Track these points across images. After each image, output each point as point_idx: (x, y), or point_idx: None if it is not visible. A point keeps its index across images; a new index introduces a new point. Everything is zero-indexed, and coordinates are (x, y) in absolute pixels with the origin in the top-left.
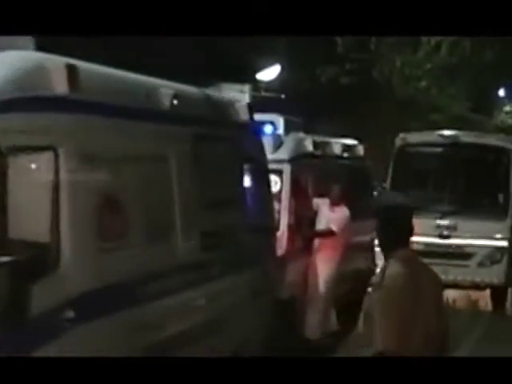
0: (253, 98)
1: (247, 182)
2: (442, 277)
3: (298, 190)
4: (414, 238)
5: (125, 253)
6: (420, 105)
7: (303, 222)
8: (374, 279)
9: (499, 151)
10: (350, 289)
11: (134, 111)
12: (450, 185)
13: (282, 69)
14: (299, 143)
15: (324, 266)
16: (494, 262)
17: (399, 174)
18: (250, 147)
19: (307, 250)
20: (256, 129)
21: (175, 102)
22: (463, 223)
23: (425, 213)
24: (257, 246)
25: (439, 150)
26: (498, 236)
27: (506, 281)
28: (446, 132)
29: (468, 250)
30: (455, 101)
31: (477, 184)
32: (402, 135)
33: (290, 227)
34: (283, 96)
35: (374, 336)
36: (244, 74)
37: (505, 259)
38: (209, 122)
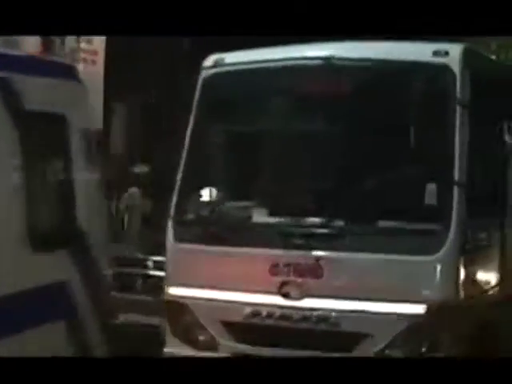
0: None
1: None
2: None
3: None
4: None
5: None
6: None
7: None
8: None
9: (434, 75)
10: None
11: None
12: (321, 163)
13: None
14: None
15: None
16: (414, 349)
17: (204, 137)
18: None
19: None
20: None
21: None
22: (345, 258)
23: (250, 237)
24: None
25: (297, 80)
26: (428, 290)
27: None
28: (310, 44)
29: (353, 326)
30: None
31: (379, 158)
32: (214, 56)
33: None
34: None
35: None
36: None
37: None
38: None
